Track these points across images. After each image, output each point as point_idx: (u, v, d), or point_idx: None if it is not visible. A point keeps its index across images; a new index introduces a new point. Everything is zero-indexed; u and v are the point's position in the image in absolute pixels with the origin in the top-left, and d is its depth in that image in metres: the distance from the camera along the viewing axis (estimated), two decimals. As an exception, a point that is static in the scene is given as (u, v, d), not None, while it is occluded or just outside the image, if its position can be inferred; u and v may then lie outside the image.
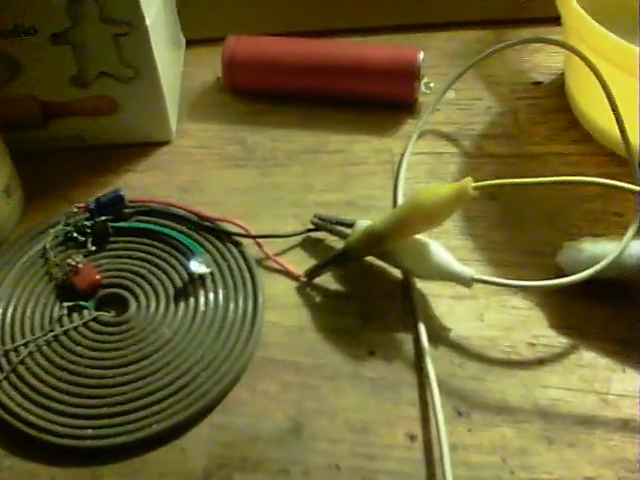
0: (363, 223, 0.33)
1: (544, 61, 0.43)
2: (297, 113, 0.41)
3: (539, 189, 0.36)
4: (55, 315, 0.32)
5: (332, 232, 0.34)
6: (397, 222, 0.31)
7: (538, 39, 0.40)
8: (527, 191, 0.36)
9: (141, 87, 0.37)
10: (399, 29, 0.46)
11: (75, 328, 0.32)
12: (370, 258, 0.33)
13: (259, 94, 0.42)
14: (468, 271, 0.31)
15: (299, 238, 0.35)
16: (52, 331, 0.32)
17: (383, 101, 0.41)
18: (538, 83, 0.42)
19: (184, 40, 0.45)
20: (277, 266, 0.34)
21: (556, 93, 0.41)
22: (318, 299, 0.33)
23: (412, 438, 0.29)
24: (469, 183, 0.30)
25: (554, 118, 0.40)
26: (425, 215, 0.30)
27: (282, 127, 0.40)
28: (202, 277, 0.33)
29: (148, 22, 0.35)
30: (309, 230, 0.35)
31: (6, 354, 0.31)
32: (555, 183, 0.33)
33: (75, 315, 0.32)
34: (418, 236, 0.32)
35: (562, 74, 0.42)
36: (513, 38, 0.44)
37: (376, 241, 0.31)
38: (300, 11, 0.45)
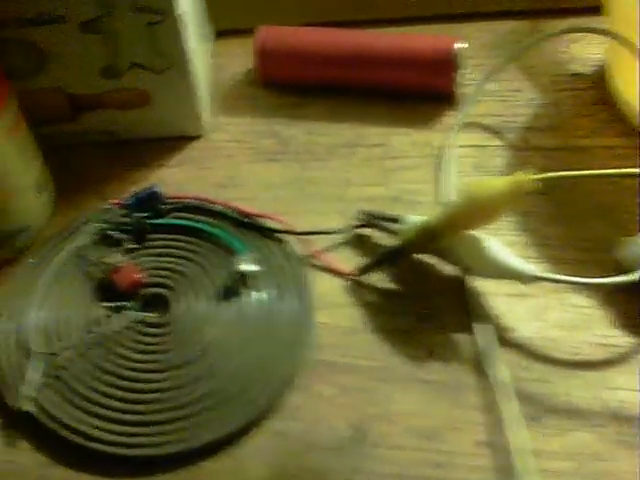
0: (413, 218, 0.31)
1: (582, 52, 0.42)
2: (332, 105, 0.39)
3: (591, 183, 0.35)
4: (95, 316, 0.31)
5: (379, 228, 0.33)
6: (453, 217, 0.30)
7: (585, 29, 0.38)
8: (579, 185, 0.35)
9: (174, 78, 0.35)
10: (429, 20, 0.44)
11: (118, 330, 0.30)
12: (420, 255, 0.32)
13: (292, 86, 0.40)
14: (530, 268, 0.29)
15: (344, 235, 0.34)
16: (94, 333, 0.30)
17: (420, 92, 0.39)
18: (578, 74, 0.41)
19: (211, 32, 0.43)
20: (323, 264, 0.33)
21: (597, 85, 0.40)
22: (369, 298, 0.32)
23: (480, 444, 0.27)
24: (527, 176, 0.29)
25: (598, 110, 0.39)
26: (482, 210, 0.29)
27: (317, 120, 0.39)
28: (246, 276, 0.31)
29: (181, 10, 0.34)
30: (355, 226, 0.34)
31: (47, 358, 0.29)
32: (613, 176, 0.33)
33: (117, 316, 0.31)
34: (475, 232, 0.30)
35: (602, 65, 0.41)
36: (548, 29, 0.43)
37: (432, 237, 0.30)
38: (331, 1, 0.43)
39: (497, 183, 0.29)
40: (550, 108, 0.39)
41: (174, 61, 0.34)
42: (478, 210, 0.29)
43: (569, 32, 0.40)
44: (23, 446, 0.28)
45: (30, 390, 0.28)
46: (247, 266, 0.31)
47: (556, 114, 0.39)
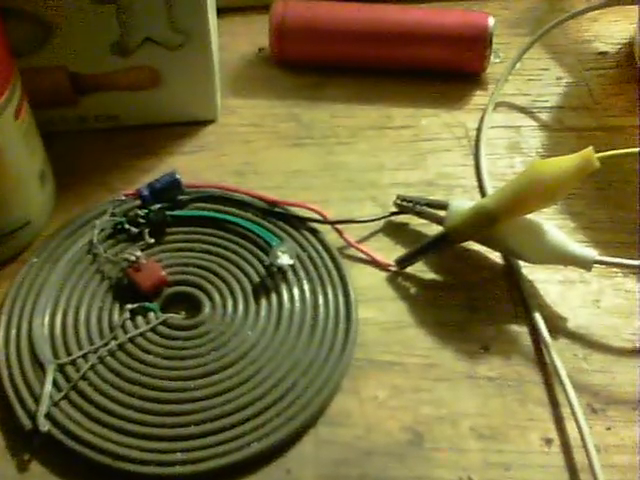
0: (461, 203, 0.29)
1: (604, 30, 0.41)
2: (354, 86, 0.37)
3: (630, 162, 0.33)
4: (115, 320, 0.27)
5: (420, 215, 0.31)
6: (512, 199, 0.27)
7: (616, 2, 0.37)
8: (621, 165, 0.33)
9: (189, 56, 0.32)
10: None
11: (142, 334, 0.27)
12: (462, 243, 0.30)
13: (310, 66, 0.38)
14: (589, 252, 0.28)
15: (380, 223, 0.31)
16: (115, 339, 0.27)
17: (448, 71, 0.37)
18: (603, 53, 0.40)
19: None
20: (361, 255, 0.30)
21: (624, 63, 0.39)
22: (413, 290, 0.29)
23: (548, 442, 0.25)
24: (592, 154, 0.27)
25: (628, 89, 0.37)
26: (546, 190, 0.27)
27: (339, 101, 0.36)
28: (282, 270, 0.29)
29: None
30: (391, 214, 0.31)
31: (62, 369, 0.26)
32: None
33: (139, 319, 0.28)
34: (531, 217, 0.28)
35: (628, 43, 0.40)
36: (566, 7, 0.41)
37: (486, 222, 0.28)
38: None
39: (563, 162, 0.27)
40: (579, 87, 0.38)
41: (192, 37, 0.31)
42: (542, 191, 0.27)
43: (597, 8, 0.38)
44: (38, 470, 0.25)
45: (46, 406, 0.25)
46: (284, 259, 0.28)
47: (586, 94, 0.37)
